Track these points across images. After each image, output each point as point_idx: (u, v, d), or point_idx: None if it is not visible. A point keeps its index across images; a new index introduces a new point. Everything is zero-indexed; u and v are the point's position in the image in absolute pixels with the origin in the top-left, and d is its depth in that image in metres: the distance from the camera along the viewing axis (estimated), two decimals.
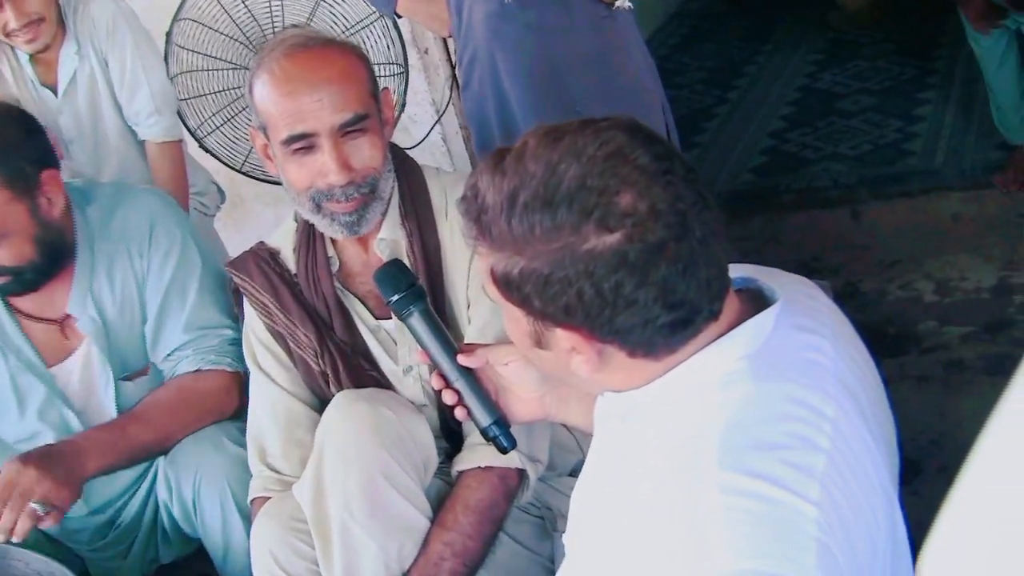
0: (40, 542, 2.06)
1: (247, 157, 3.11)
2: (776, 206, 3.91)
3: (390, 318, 1.88)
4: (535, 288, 1.09)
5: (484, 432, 1.53)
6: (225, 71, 3.02)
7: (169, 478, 2.07)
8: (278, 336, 1.92)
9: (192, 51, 3.00)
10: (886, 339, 3.01)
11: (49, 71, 2.85)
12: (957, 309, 3.11)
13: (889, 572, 1.14)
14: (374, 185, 1.78)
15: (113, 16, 2.82)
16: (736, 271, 1.22)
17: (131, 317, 2.14)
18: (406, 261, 1.85)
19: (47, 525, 1.87)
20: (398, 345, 1.89)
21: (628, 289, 1.06)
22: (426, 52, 3.36)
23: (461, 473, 1.79)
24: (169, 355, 2.15)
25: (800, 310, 1.22)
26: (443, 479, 1.84)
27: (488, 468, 1.76)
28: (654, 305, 1.07)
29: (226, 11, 2.96)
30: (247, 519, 1.97)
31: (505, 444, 1.53)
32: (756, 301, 1.20)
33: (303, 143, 1.74)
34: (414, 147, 3.12)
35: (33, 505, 1.84)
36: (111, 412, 2.12)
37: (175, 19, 3.00)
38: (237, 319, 2.07)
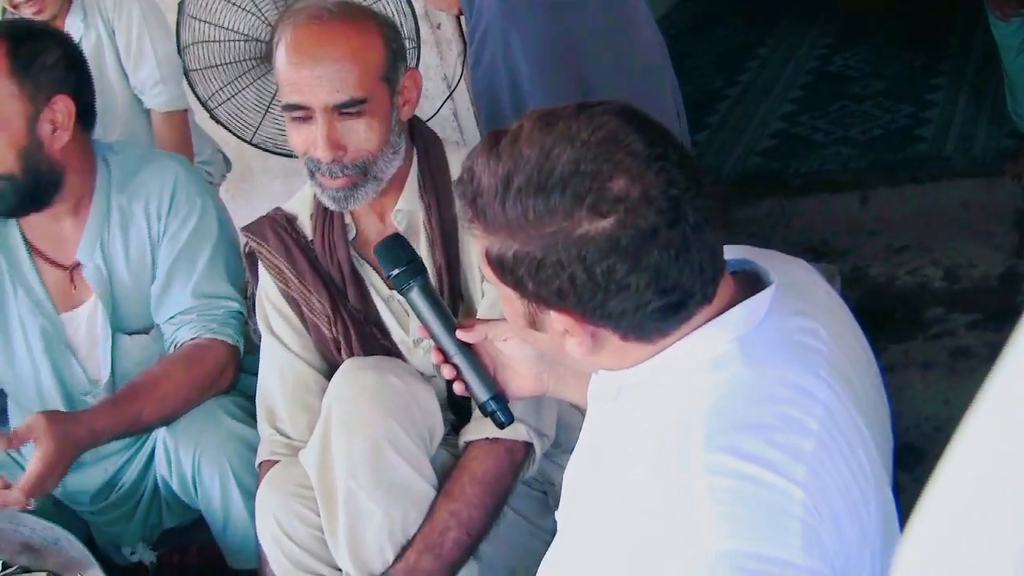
0: (46, 507, 2.07)
1: (257, 129, 3.11)
2: (785, 189, 3.90)
3: None
4: (528, 271, 1.09)
5: (482, 407, 1.54)
6: (237, 42, 3.02)
7: (169, 452, 2.08)
8: (291, 301, 1.92)
9: (205, 22, 2.99)
10: (892, 324, 3.01)
11: None
12: (964, 296, 3.10)
13: (879, 558, 1.14)
14: (365, 167, 1.78)
15: None
16: (733, 253, 1.22)
17: (141, 276, 2.15)
18: (423, 233, 1.86)
19: (31, 506, 1.88)
20: (410, 316, 1.89)
21: (620, 274, 1.06)
22: (438, 27, 3.36)
23: (468, 444, 1.80)
24: (171, 318, 2.15)
25: (795, 293, 1.22)
26: (449, 450, 1.85)
27: (495, 440, 1.77)
28: (646, 290, 1.07)
29: None
30: (246, 493, 1.99)
31: (502, 419, 1.53)
32: (752, 283, 1.20)
33: (300, 113, 1.75)
34: (426, 122, 3.12)
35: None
36: (107, 366, 2.14)
37: None
38: (246, 293, 2.07)
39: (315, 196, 1.92)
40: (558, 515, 1.36)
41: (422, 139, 1.92)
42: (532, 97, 2.47)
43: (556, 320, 1.13)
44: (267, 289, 1.96)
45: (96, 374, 2.16)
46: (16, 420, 2.17)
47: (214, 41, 3.01)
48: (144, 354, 2.17)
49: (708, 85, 5.00)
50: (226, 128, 3.13)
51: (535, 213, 1.06)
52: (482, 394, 1.52)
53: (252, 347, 2.16)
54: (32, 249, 2.14)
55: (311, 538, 1.76)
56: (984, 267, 3.19)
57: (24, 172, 2.00)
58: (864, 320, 1.33)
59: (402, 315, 1.91)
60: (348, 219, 1.91)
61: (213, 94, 3.07)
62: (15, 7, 2.74)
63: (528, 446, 1.79)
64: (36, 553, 1.89)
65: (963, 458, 0.70)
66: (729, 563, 1.00)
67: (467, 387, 1.53)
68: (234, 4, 2.98)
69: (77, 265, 2.13)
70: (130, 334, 2.17)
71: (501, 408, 1.53)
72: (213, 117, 3.12)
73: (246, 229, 1.98)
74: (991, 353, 2.94)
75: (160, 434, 2.11)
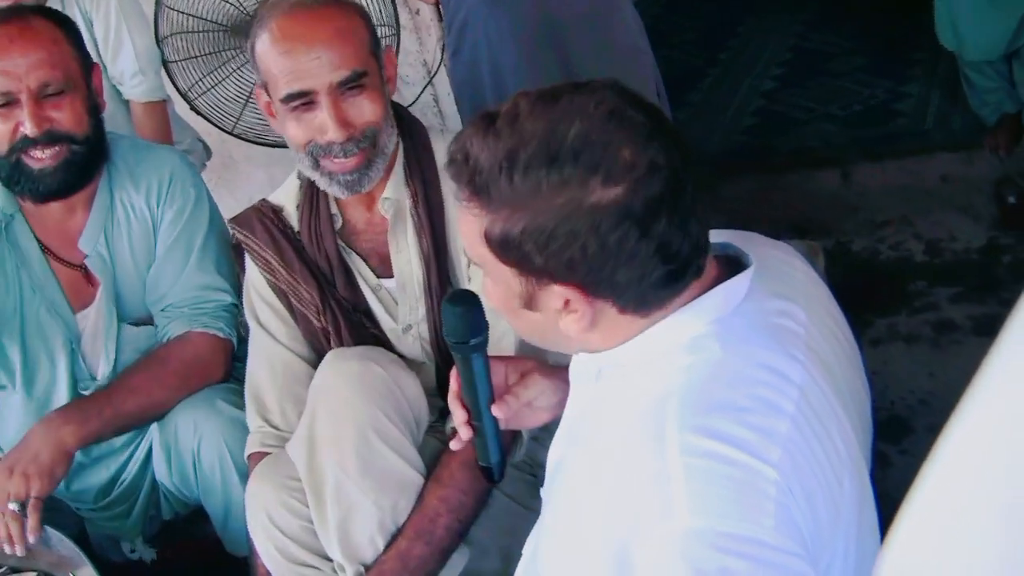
0: None
1: (239, 119, 3.10)
2: (767, 167, 3.92)
3: (391, 277, 1.90)
4: (537, 245, 1.10)
5: (483, 467, 1.52)
6: (216, 33, 3.01)
7: (168, 446, 2.08)
8: (280, 292, 1.93)
9: (183, 12, 2.98)
10: (876, 299, 3.04)
11: None
12: (947, 269, 3.13)
13: (853, 540, 1.16)
14: (374, 138, 1.79)
15: None
16: (716, 237, 1.23)
17: (145, 265, 2.16)
18: (410, 221, 1.87)
19: (35, 514, 1.88)
20: (399, 304, 1.90)
21: (631, 242, 1.08)
22: (417, 13, 3.35)
23: (455, 430, 1.80)
24: (164, 309, 2.16)
25: (774, 276, 1.23)
26: (437, 437, 1.86)
27: None
28: (653, 257, 1.09)
29: None
30: (246, 479, 1.98)
31: (496, 478, 1.53)
32: (732, 267, 1.22)
33: (302, 100, 1.74)
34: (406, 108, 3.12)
35: (11, 507, 1.87)
36: (110, 356, 2.14)
37: None
38: (238, 286, 2.08)
39: (300, 187, 1.92)
40: (543, 491, 1.38)
41: (407, 126, 1.93)
42: (517, 80, 2.47)
43: (558, 295, 1.14)
44: (255, 281, 1.96)
45: (96, 366, 2.15)
46: (3, 413, 2.16)
47: (193, 32, 3.00)
48: (148, 344, 2.18)
49: (689, 64, 5.00)
50: (207, 119, 3.13)
51: (548, 184, 1.07)
52: (492, 457, 1.51)
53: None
54: (44, 249, 2.14)
55: (301, 529, 1.77)
56: (965, 240, 3.22)
57: (91, 134, 2.07)
58: (848, 295, 1.34)
59: (390, 303, 1.92)
60: (334, 209, 1.91)
61: (193, 85, 3.06)
62: None
63: (515, 431, 1.80)
64: (27, 552, 1.89)
65: (951, 456, 0.71)
66: (701, 541, 1.01)
67: (478, 444, 1.49)
68: None
69: (87, 259, 2.14)
70: (135, 324, 2.18)
71: (500, 468, 1.52)
72: (193, 108, 3.11)
73: (233, 221, 1.99)
74: (974, 326, 2.98)
75: (157, 427, 2.11)
